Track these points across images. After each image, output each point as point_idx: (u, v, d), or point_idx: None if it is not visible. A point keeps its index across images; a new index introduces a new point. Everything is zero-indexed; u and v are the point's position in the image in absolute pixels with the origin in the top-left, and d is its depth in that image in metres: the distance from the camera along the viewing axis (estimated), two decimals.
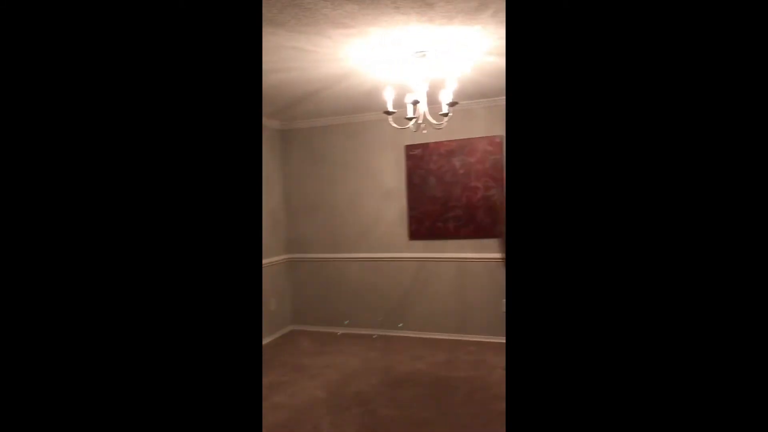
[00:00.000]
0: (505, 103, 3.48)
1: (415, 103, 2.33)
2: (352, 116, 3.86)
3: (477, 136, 3.58)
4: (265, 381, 3.02)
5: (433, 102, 2.46)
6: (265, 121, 3.93)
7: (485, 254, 3.58)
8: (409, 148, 3.76)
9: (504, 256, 3.40)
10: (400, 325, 3.87)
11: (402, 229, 3.83)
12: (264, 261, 3.81)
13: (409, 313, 3.86)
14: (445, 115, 2.39)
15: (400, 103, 2.46)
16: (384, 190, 3.87)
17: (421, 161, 3.74)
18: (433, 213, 3.72)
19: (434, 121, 2.43)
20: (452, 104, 2.37)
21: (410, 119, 2.45)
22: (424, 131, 2.49)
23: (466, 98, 3.44)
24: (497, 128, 3.53)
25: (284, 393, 2.81)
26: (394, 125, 2.46)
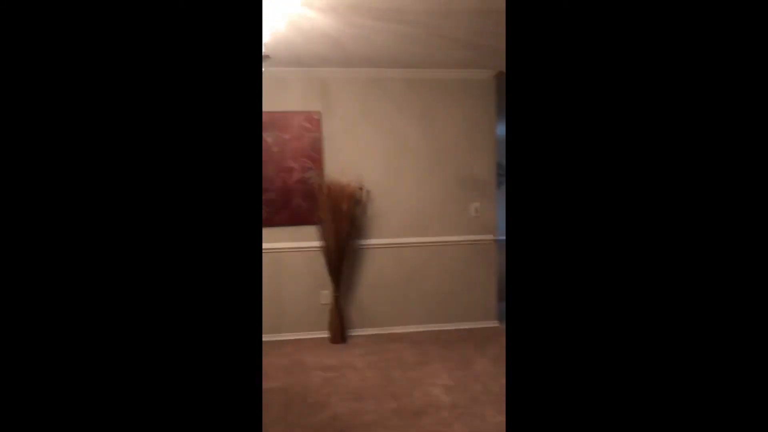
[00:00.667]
0: (323, 74, 3.16)
1: None
2: None
3: (292, 110, 3.16)
4: None
5: None
6: None
7: (303, 243, 3.23)
8: None
9: (324, 244, 3.11)
10: None
11: None
12: None
13: None
14: None
15: None
16: None
17: None
18: None
19: None
20: (264, 58, 1.89)
21: None
22: None
23: (280, 65, 2.98)
24: (315, 103, 3.19)
25: None
26: None
